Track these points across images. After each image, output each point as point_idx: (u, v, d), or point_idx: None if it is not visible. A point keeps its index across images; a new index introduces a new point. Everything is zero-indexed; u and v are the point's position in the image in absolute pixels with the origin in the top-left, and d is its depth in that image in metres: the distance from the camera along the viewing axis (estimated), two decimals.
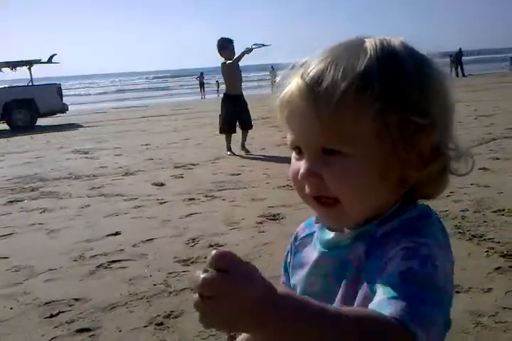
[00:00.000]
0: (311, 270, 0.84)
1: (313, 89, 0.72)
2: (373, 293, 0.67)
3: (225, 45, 7.48)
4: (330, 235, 0.83)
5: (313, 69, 0.74)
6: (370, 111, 0.70)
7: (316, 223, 0.87)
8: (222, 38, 7.54)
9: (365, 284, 0.72)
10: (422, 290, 0.63)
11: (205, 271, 0.53)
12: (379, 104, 0.70)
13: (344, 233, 0.81)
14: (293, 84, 0.76)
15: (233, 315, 0.53)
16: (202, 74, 37.34)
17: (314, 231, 0.90)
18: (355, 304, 0.72)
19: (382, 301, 0.62)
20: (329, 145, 0.73)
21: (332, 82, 0.70)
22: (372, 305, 0.63)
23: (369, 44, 0.74)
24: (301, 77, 0.74)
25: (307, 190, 0.77)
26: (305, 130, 0.75)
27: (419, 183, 0.76)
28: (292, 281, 0.90)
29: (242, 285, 0.53)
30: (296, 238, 0.94)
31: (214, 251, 0.55)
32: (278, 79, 0.80)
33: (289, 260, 0.94)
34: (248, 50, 7.51)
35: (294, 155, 0.81)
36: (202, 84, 35.43)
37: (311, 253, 0.87)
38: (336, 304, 0.76)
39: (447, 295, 0.67)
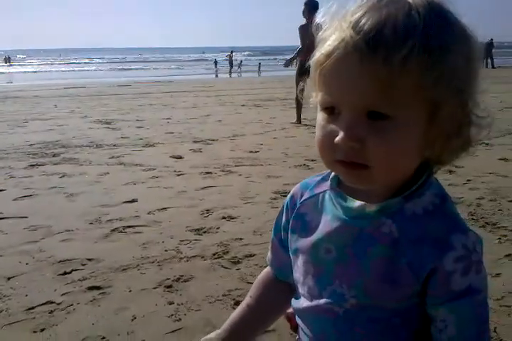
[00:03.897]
0: (328, 236, 0.80)
1: (373, 44, 0.63)
2: (419, 283, 0.72)
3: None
4: (354, 203, 0.78)
5: (366, 21, 0.64)
6: (431, 76, 0.64)
7: (332, 188, 0.82)
8: None
9: (405, 267, 0.72)
10: (479, 325, 0.72)
11: None
12: (439, 69, 0.65)
13: (368, 203, 0.76)
14: (341, 36, 0.66)
15: None
16: (232, 52, 36.54)
17: (316, 194, 0.85)
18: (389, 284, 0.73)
19: None
20: (379, 108, 0.66)
21: (394, 39, 0.63)
22: None
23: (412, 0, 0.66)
24: (353, 29, 0.65)
25: (341, 154, 0.69)
26: (353, 88, 0.66)
27: (445, 151, 0.73)
28: (295, 246, 0.86)
29: None
30: (294, 200, 0.89)
31: None
32: (320, 32, 0.71)
33: (284, 223, 0.90)
34: None
35: (322, 116, 0.73)
36: (231, 63, 34.72)
37: (319, 217, 0.82)
38: (372, 280, 0.75)
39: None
